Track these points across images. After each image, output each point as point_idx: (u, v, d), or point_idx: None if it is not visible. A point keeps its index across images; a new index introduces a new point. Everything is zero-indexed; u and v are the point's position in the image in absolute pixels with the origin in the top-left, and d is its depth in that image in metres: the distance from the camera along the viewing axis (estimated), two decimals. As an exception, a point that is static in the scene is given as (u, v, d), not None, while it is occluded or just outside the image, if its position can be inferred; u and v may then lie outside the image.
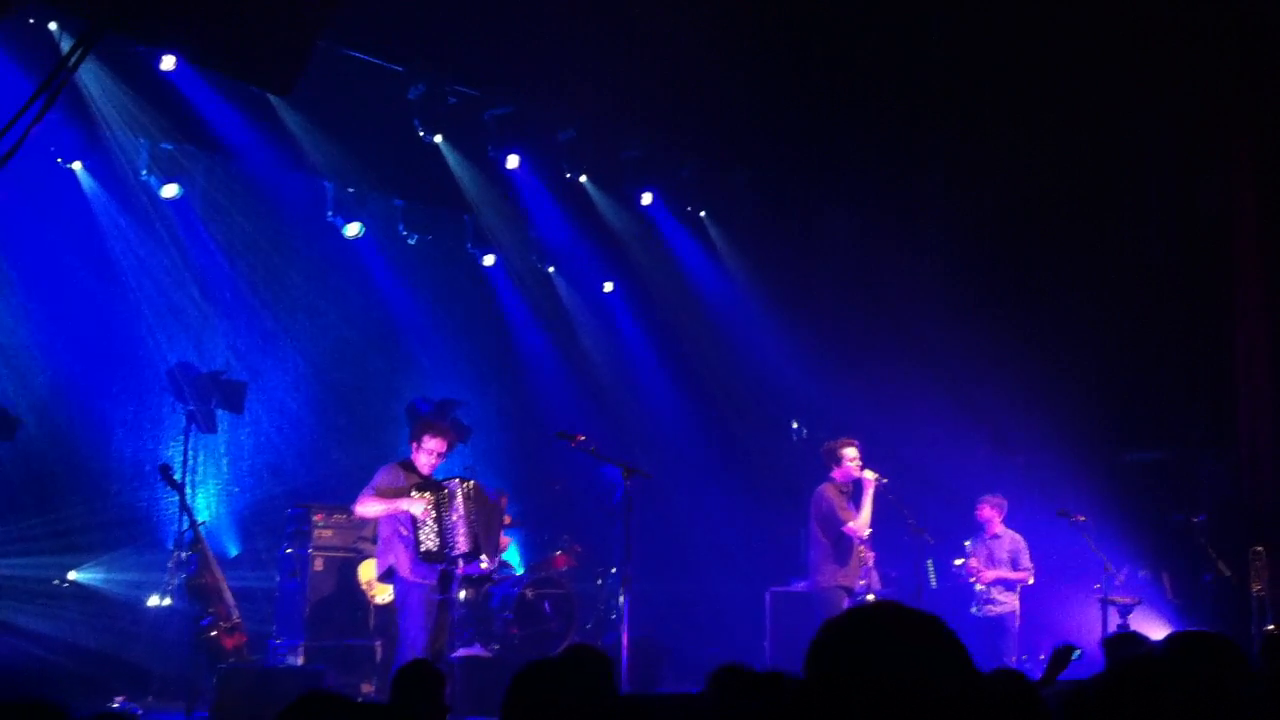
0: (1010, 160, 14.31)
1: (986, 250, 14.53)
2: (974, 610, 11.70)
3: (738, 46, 12.19)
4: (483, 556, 9.34)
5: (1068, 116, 13.95)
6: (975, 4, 12.59)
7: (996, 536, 11.83)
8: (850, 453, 10.28)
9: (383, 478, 9.12)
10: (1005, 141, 14.15)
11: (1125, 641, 6.08)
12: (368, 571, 10.69)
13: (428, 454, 9.23)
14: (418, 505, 8.85)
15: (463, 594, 10.52)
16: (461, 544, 8.94)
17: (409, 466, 9.23)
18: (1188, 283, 14.26)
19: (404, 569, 8.92)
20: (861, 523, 10.11)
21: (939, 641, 2.37)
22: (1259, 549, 11.55)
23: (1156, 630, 10.50)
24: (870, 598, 10.41)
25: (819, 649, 2.40)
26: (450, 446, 9.55)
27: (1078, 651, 6.63)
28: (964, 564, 11.78)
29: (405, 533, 8.92)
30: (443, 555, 8.88)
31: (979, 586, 11.70)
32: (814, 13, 12.61)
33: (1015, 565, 11.71)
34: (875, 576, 10.53)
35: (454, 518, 8.95)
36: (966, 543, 11.95)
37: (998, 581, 11.64)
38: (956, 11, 12.55)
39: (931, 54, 13.03)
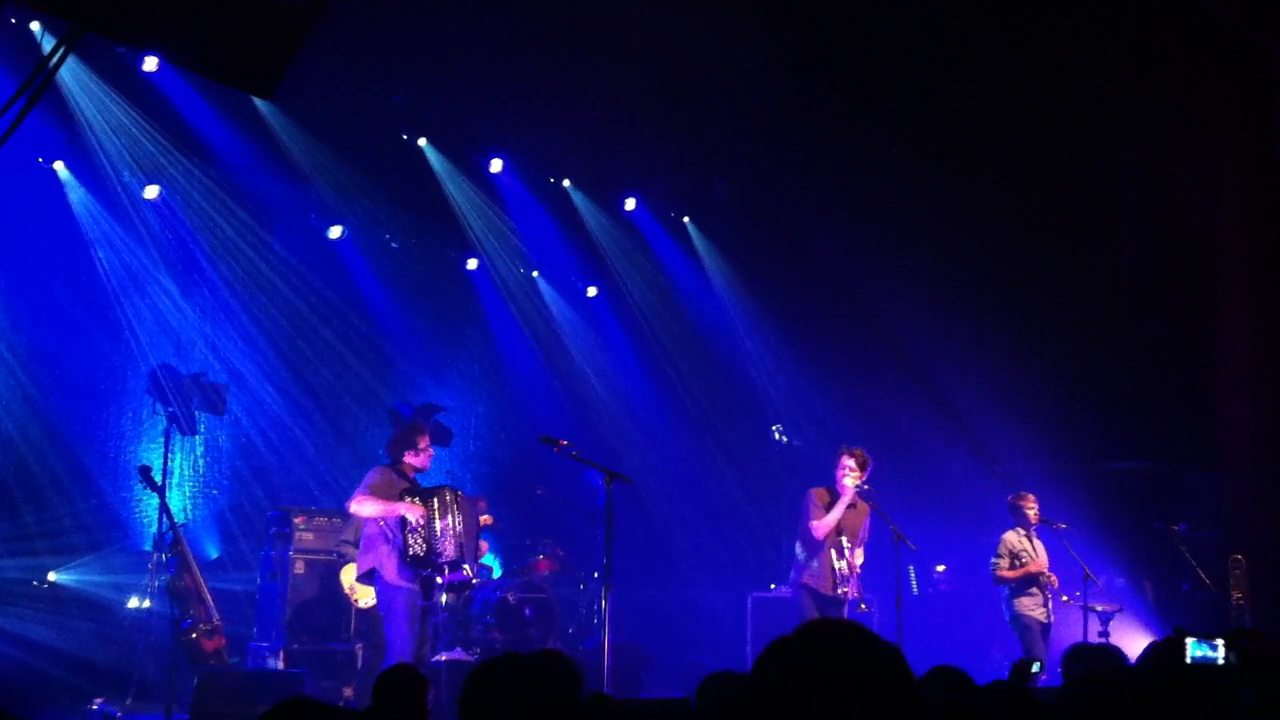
0: (996, 172, 14.38)
1: (970, 260, 14.55)
2: (1048, 616, 10.63)
3: (726, 58, 12.21)
4: (465, 566, 9.28)
5: (1054, 130, 14.02)
6: (960, 23, 12.63)
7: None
8: (845, 461, 10.02)
9: (377, 478, 9.07)
10: (991, 153, 14.21)
11: (1083, 655, 6.06)
12: (350, 576, 10.65)
13: (426, 454, 9.30)
14: (413, 511, 8.85)
15: (444, 598, 10.48)
16: (449, 551, 8.96)
17: (398, 471, 9.18)
18: (1170, 295, 14.32)
19: (389, 573, 8.88)
20: (825, 521, 9.91)
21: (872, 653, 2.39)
22: (1238, 558, 11.59)
23: (1136, 638, 10.54)
24: (859, 606, 10.14)
25: (759, 662, 2.43)
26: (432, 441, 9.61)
27: (1037, 665, 6.64)
28: (1046, 576, 10.62)
29: (391, 536, 8.88)
30: (429, 561, 8.88)
31: (1055, 583, 10.67)
32: (802, 29, 12.64)
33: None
34: (856, 585, 10.09)
35: (443, 525, 8.97)
36: (1022, 537, 10.78)
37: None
38: (941, 32, 12.59)
39: (917, 72, 13.07)
